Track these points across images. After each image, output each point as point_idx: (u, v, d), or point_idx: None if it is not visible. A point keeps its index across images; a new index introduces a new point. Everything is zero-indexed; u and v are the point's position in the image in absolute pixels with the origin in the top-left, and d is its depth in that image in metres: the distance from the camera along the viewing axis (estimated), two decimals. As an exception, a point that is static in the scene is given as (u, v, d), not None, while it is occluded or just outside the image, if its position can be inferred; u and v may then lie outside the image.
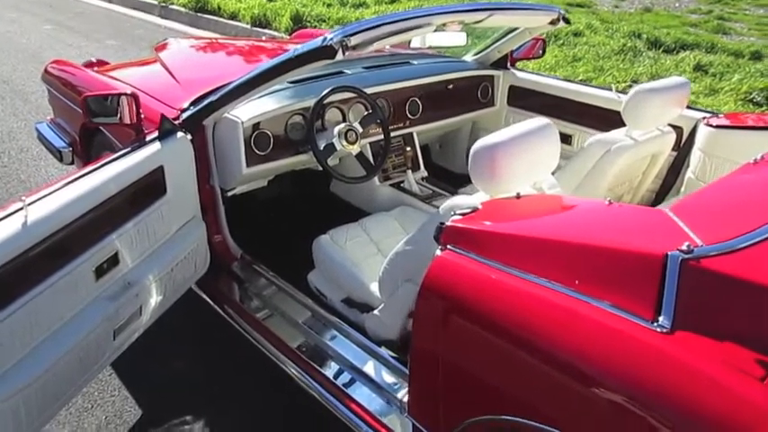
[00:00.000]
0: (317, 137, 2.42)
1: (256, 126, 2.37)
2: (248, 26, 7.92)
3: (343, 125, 2.41)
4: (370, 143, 2.68)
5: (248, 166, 2.37)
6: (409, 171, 2.76)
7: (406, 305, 1.95)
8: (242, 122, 2.31)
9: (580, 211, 1.53)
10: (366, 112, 2.60)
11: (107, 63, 3.38)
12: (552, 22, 2.58)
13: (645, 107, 2.15)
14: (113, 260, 1.92)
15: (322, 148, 2.36)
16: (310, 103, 2.49)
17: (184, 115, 2.31)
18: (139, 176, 1.99)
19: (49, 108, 3.45)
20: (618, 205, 1.50)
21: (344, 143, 2.39)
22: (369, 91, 2.62)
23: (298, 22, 7.51)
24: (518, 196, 1.67)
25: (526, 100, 3.15)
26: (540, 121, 1.81)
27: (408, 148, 2.72)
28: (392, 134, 2.73)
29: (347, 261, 2.28)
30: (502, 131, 1.73)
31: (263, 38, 4.69)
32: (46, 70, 3.28)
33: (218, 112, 2.26)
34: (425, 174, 2.86)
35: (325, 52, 1.91)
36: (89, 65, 3.27)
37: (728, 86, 5.35)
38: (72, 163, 3.16)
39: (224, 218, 2.51)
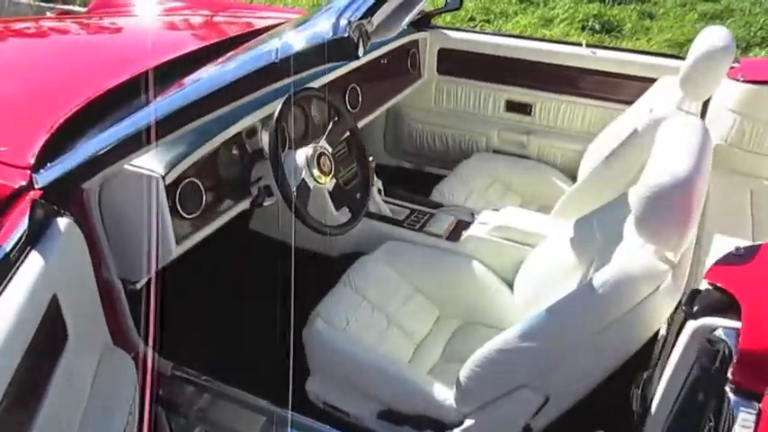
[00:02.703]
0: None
1: (180, 177, 1.44)
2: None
3: (309, 148, 1.57)
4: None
5: (180, 241, 1.45)
6: (373, 188, 1.99)
7: (519, 419, 1.30)
8: (161, 177, 1.37)
9: None
10: (324, 122, 1.77)
11: None
12: None
13: (718, 71, 1.66)
14: None
15: (295, 192, 1.51)
16: (244, 124, 1.60)
17: (44, 177, 1.29)
18: (27, 340, 1.01)
19: None
20: None
21: (318, 175, 1.56)
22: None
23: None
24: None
25: (461, 65, 2.51)
26: (693, 122, 1.22)
27: (371, 158, 1.95)
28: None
29: (365, 353, 1.53)
30: (667, 150, 1.13)
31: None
32: None
33: (114, 166, 1.29)
34: (380, 184, 2.11)
35: (345, 49, 1.09)
36: None
37: (561, 14, 5.23)
38: None
39: (132, 324, 1.56)
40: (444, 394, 1.42)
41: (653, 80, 2.05)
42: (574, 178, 2.29)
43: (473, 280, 1.77)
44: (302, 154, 1.56)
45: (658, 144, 1.19)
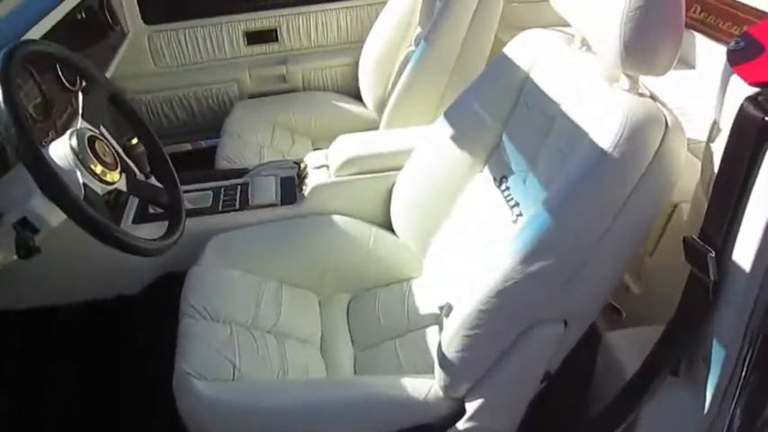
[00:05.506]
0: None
1: None
2: None
3: (70, 137, 0.94)
4: None
5: None
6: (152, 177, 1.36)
7: (538, 365, 0.98)
8: None
9: None
10: (60, 93, 1.12)
11: None
12: None
13: None
14: None
15: (84, 199, 0.89)
16: None
17: None
18: None
19: None
20: None
21: (101, 170, 0.95)
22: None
23: None
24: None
25: (172, 4, 1.94)
26: None
27: (134, 140, 1.32)
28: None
29: (281, 394, 1.04)
30: None
31: None
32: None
33: None
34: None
35: None
36: None
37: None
38: None
39: None
40: (418, 389, 1.02)
41: None
42: (357, 96, 1.97)
43: (339, 239, 1.35)
44: (61, 146, 0.93)
45: None
